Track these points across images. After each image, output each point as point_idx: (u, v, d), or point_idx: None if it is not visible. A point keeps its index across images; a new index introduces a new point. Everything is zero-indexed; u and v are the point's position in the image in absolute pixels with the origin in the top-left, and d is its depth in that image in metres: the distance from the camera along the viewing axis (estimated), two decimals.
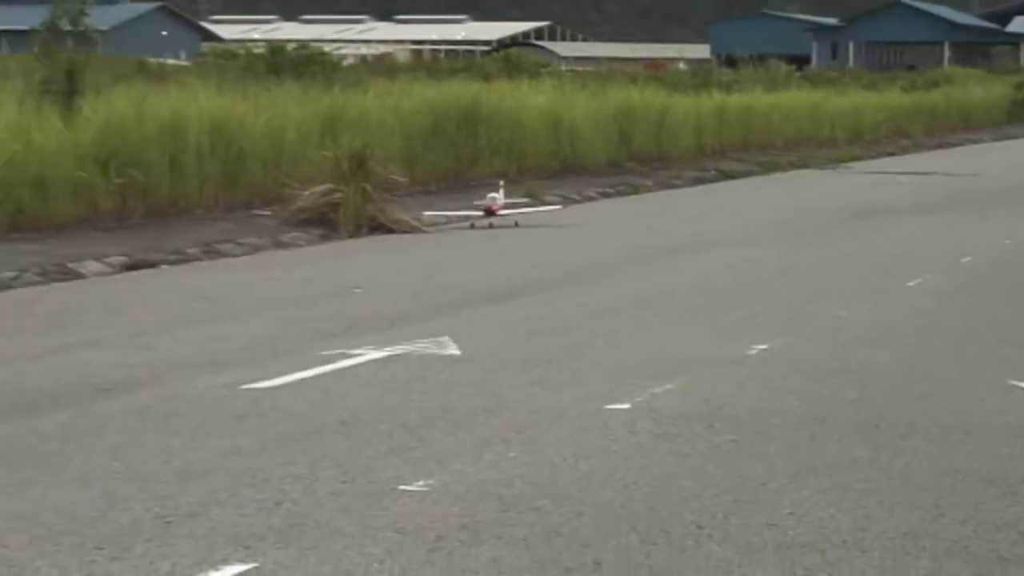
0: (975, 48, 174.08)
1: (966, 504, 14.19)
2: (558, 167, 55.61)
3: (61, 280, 29.72)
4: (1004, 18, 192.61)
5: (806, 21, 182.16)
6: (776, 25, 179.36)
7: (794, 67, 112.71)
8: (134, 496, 14.14)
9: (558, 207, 35.90)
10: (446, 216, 38.37)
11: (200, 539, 12.74)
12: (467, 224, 38.10)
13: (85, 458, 15.80)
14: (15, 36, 69.22)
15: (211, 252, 34.14)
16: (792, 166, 66.16)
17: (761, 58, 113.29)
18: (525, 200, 37.81)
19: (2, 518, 13.38)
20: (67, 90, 39.78)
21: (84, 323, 24.96)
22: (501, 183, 41.46)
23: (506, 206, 38.81)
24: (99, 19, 46.27)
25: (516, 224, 37.90)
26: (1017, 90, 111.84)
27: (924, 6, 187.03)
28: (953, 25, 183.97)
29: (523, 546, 12.68)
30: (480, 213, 38.38)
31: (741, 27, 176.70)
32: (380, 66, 78.01)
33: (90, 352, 22.02)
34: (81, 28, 42.55)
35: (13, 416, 17.76)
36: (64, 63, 40.90)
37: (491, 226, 37.75)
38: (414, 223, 39.26)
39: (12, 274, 29.29)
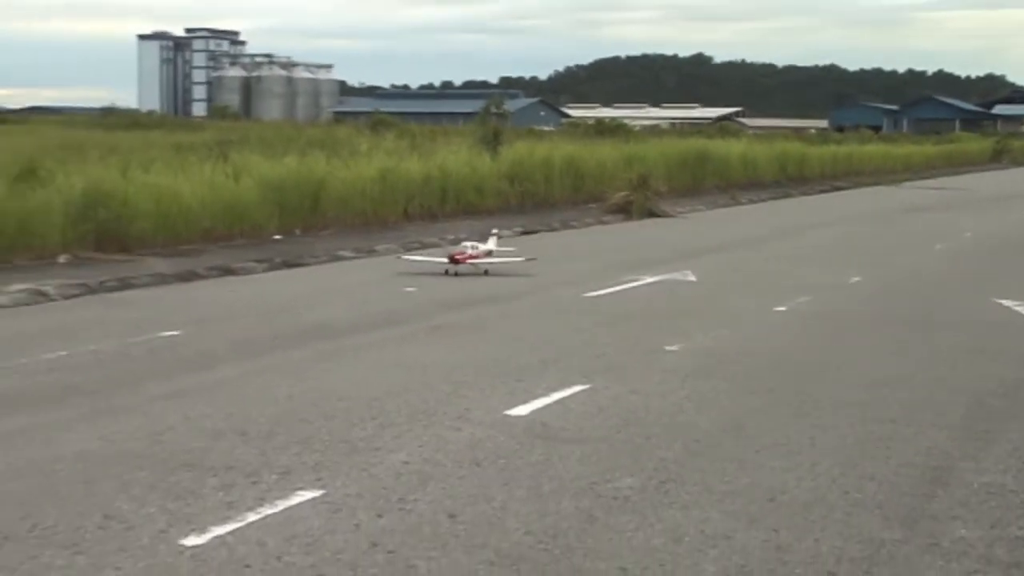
0: (973, 122, 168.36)
1: (967, 363, 13.98)
2: (747, 183, 54.86)
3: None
4: (990, 105, 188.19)
5: (881, 107, 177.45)
6: (865, 109, 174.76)
7: (874, 132, 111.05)
8: (520, 351, 14.36)
9: (521, 259, 23.11)
10: (418, 261, 23.44)
11: (558, 374, 12.93)
12: (442, 271, 22.17)
13: (501, 330, 16.10)
14: (468, 115, 70.63)
15: (566, 225, 34.26)
16: (872, 184, 64.60)
17: (856, 127, 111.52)
18: (511, 248, 24.06)
19: (450, 363, 13.67)
20: (493, 142, 40.24)
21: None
22: (494, 231, 25.63)
23: (489, 253, 23.13)
24: (510, 106, 47.00)
25: (486, 272, 22.32)
26: (996, 144, 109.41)
27: (945, 99, 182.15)
28: (961, 109, 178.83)
29: (730, 378, 12.75)
30: (444, 259, 22.69)
31: (846, 111, 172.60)
32: (653, 131, 77.41)
33: (494, 280, 22.23)
34: (500, 111, 43.40)
35: (472, 306, 18.10)
36: (492, 129, 41.50)
37: (456, 273, 21.98)
38: (671, 212, 39.11)
39: (464, 235, 29.59)
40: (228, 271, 22.34)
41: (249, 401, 11.32)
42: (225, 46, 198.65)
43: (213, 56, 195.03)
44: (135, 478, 8.69)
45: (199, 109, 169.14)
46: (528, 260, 23.10)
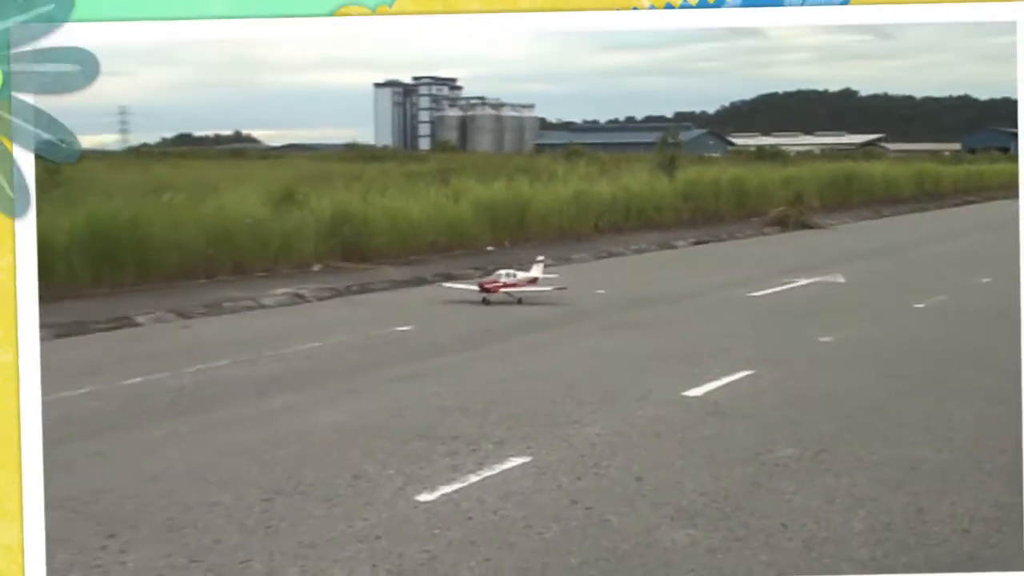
0: None
1: None
2: (888, 199, 52.97)
3: (666, 249, 29.70)
4: None
5: (1009, 131, 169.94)
6: (994, 133, 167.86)
7: (1002, 153, 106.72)
8: (694, 342, 14.29)
9: (550, 288, 19.49)
10: (454, 289, 19.89)
11: (727, 361, 12.85)
12: (478, 299, 18.74)
13: (678, 324, 16.00)
14: (648, 145, 69.51)
15: (731, 236, 33.65)
16: (1001, 198, 61.69)
17: (987, 149, 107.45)
18: (555, 276, 20.08)
19: (634, 352, 13.70)
20: (670, 167, 39.88)
21: (670, 269, 24.97)
22: (540, 258, 21.28)
23: (534, 280, 19.85)
24: (683, 136, 46.50)
25: (519, 301, 18.80)
26: None
27: None
28: None
29: (875, 365, 12.53)
30: (475, 287, 19.45)
31: (977, 135, 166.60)
32: (806, 156, 75.76)
33: (671, 283, 22.05)
34: (675, 141, 42.88)
35: (652, 305, 18.01)
36: (668, 156, 41.07)
37: (488, 302, 18.73)
38: (823, 224, 38.25)
39: (645, 245, 29.51)
40: (450, 277, 22.82)
41: (470, 383, 11.61)
42: (445, 91, 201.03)
43: (435, 99, 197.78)
44: (377, 446, 9.04)
45: (424, 144, 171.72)
46: (558, 289, 19.38)
